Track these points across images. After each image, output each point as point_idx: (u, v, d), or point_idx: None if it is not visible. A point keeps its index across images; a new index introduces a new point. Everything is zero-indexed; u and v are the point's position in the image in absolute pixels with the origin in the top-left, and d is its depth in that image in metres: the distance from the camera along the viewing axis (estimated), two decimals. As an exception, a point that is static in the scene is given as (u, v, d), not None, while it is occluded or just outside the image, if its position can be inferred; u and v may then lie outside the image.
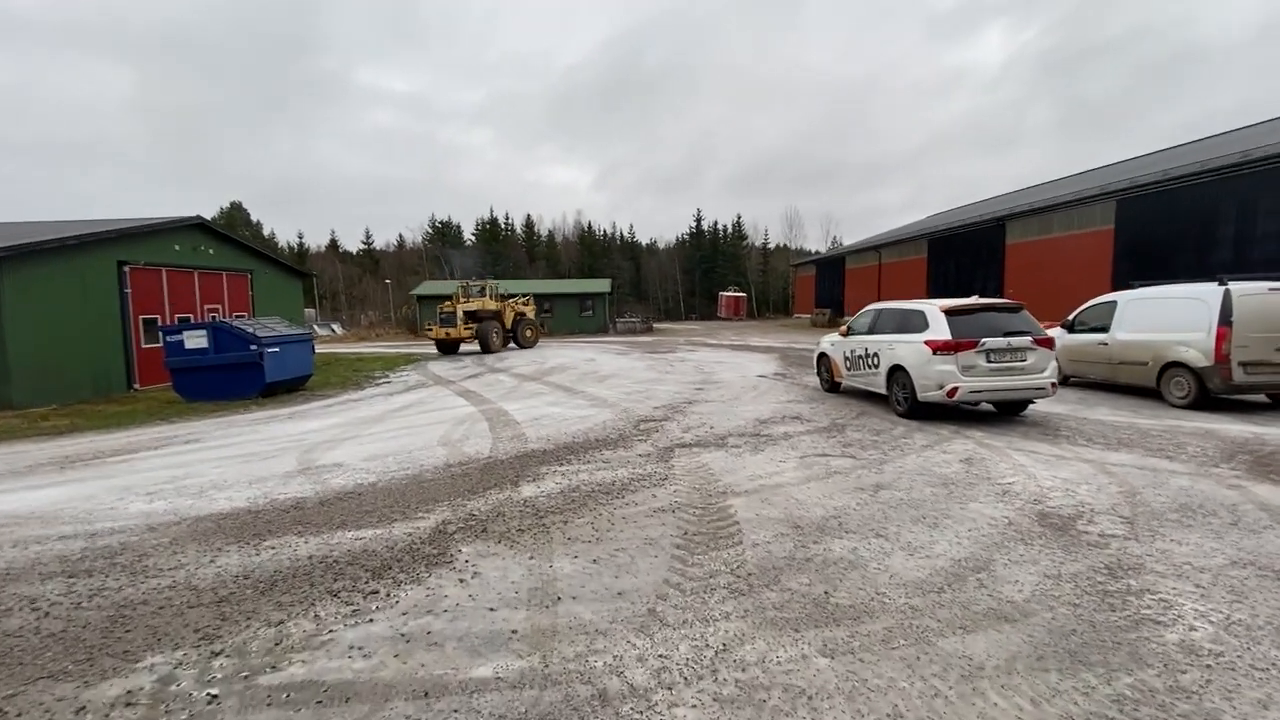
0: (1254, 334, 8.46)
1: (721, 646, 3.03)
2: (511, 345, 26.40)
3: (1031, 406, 9.10)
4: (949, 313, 8.38)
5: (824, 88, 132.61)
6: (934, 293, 30.82)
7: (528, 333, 26.81)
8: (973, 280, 29.21)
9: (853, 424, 8.52)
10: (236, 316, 18.99)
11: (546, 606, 3.49)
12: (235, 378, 13.34)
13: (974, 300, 8.70)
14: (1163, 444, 7.03)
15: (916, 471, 6.11)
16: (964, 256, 30.13)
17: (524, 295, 29.75)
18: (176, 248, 17.75)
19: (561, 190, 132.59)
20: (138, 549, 4.61)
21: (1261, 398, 9.25)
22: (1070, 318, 11.44)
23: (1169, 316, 9.36)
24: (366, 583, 3.88)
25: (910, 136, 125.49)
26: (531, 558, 4.20)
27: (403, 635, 3.23)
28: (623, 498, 5.49)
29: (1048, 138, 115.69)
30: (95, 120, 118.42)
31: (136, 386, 15.95)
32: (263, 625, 3.38)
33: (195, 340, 13.36)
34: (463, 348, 25.04)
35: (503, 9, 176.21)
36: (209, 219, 19.60)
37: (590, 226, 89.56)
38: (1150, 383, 9.63)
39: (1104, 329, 10.48)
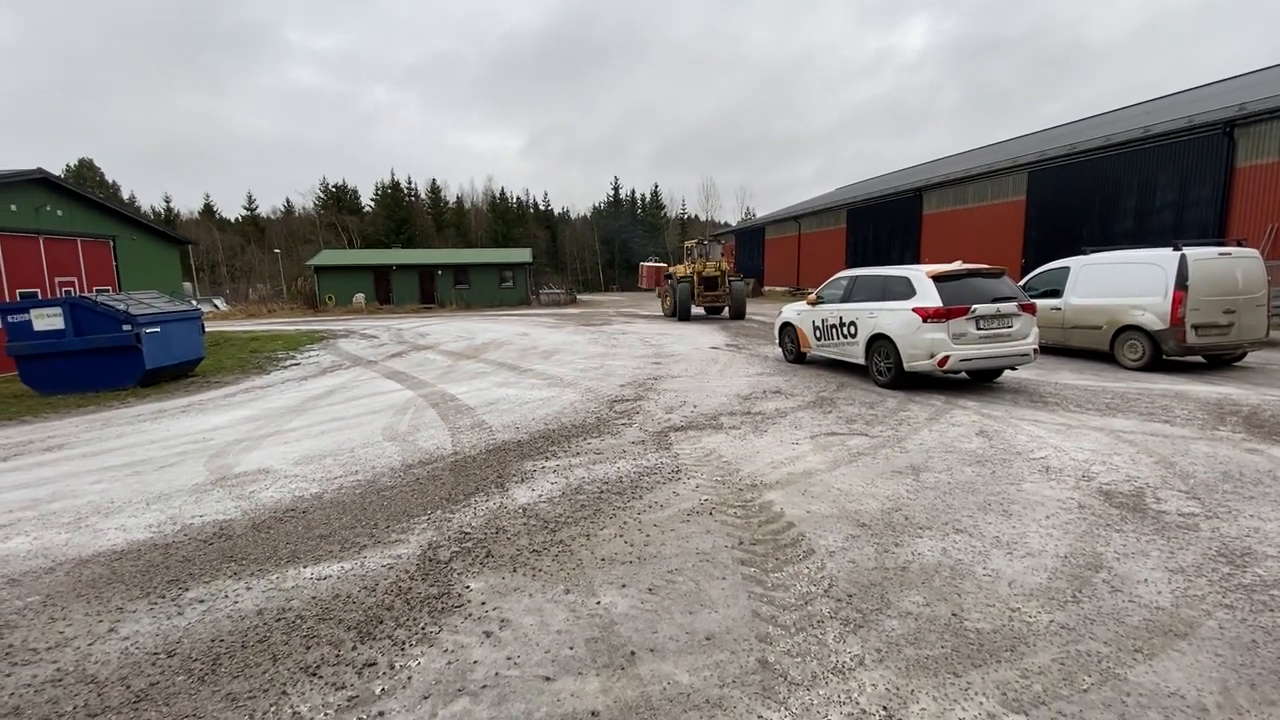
0: (1205, 297, 8.76)
1: (884, 713, 2.31)
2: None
3: (1006, 372, 9.05)
4: (937, 278, 8.06)
5: (757, 64, 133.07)
6: (853, 263, 31.62)
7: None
8: (890, 250, 30.19)
9: (840, 397, 8.09)
10: (99, 291, 16.07)
11: (621, 667, 2.62)
12: (105, 365, 11.11)
13: (958, 265, 8.43)
14: (1149, 408, 7.05)
15: (940, 449, 5.68)
16: (882, 226, 30.98)
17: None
18: (14, 208, 14.63)
19: (487, 157, 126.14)
20: (-9, 617, 3.28)
21: (1199, 358, 9.71)
22: (1020, 284, 11.60)
23: (1124, 281, 9.57)
24: (354, 649, 2.84)
25: (829, 114, 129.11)
26: (567, 591, 3.30)
27: (436, 737, 2.28)
28: (640, 498, 4.65)
29: (952, 120, 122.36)
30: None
31: (-31, 378, 13.09)
32: (214, 739, 2.31)
33: (48, 320, 10.95)
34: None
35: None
36: (56, 175, 16.31)
37: (503, 193, 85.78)
38: (1104, 346, 9.89)
39: (1056, 294, 10.66)
